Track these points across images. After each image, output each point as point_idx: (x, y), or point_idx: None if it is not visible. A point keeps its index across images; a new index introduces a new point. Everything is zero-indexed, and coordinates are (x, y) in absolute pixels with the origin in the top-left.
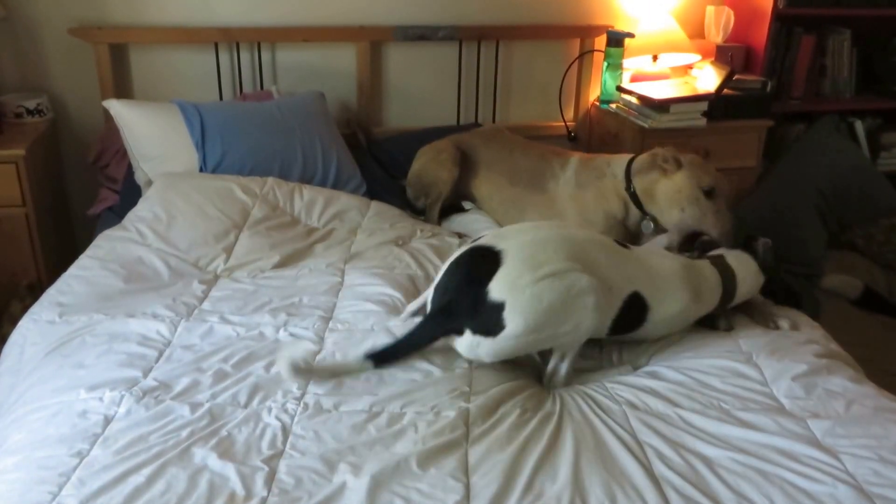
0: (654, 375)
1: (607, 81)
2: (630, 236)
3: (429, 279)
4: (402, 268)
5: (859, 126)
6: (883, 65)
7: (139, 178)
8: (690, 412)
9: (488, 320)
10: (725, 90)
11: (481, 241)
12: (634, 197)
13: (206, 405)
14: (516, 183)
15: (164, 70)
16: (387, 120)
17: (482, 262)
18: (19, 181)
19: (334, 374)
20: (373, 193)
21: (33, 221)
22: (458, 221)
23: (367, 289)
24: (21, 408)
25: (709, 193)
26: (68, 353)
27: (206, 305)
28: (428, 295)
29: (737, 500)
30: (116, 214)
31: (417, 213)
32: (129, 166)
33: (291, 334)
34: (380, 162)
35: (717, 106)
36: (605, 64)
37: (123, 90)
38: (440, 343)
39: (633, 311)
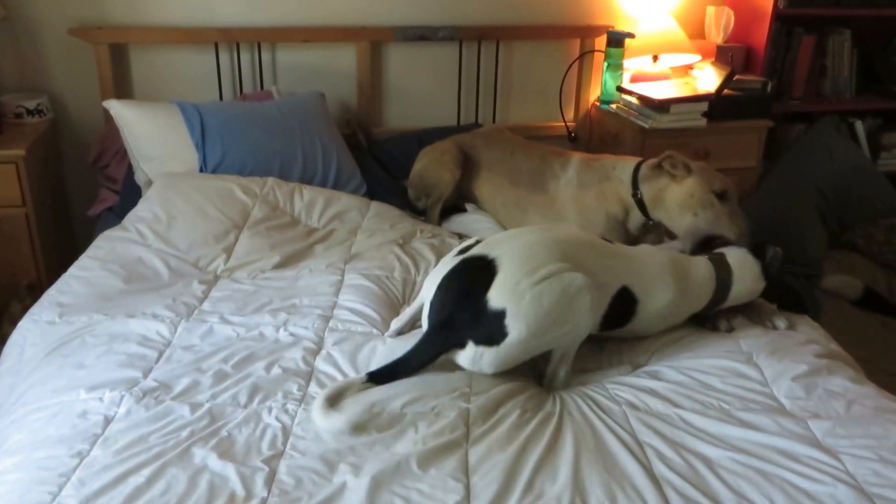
0: (654, 375)
1: (607, 82)
2: (630, 239)
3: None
4: (401, 269)
5: (860, 126)
6: (883, 65)
7: (139, 178)
8: (690, 412)
9: (490, 329)
10: (726, 90)
11: (473, 252)
12: (641, 203)
13: (206, 405)
14: (518, 183)
15: (164, 70)
16: (387, 120)
17: (478, 273)
18: (19, 181)
19: (339, 394)
20: (373, 194)
21: (33, 222)
22: (459, 222)
23: (368, 289)
24: (21, 408)
25: (721, 196)
26: (68, 354)
27: (206, 306)
28: (412, 310)
29: (737, 500)
30: (116, 215)
31: (418, 213)
32: (129, 166)
33: (291, 334)
34: (380, 162)
35: (717, 106)
36: (606, 64)
37: (123, 90)
38: (441, 358)
39: (622, 306)
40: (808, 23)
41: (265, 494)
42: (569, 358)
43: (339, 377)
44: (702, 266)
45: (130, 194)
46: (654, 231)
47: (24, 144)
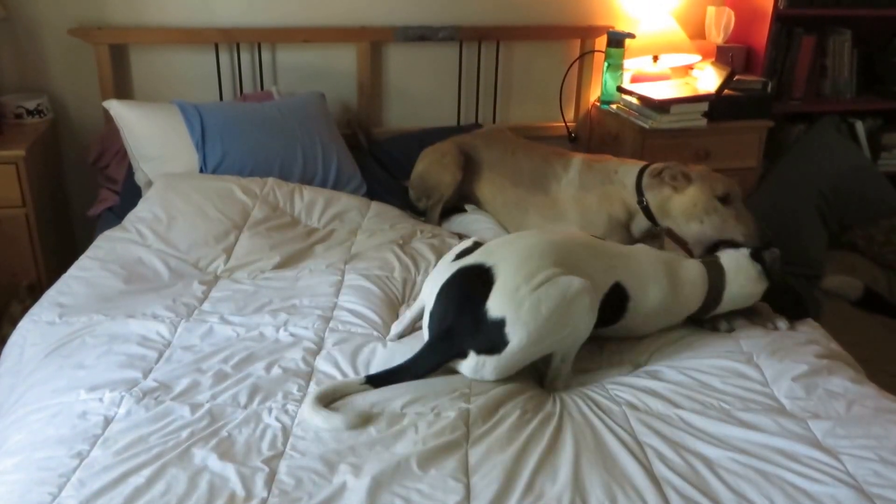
0: (654, 376)
1: (608, 82)
2: (633, 242)
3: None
4: (401, 269)
5: (860, 127)
6: (883, 65)
7: (139, 178)
8: (691, 412)
9: (491, 338)
10: (726, 91)
11: (470, 261)
12: (647, 210)
13: (206, 406)
14: (519, 184)
15: (164, 70)
16: (387, 120)
17: (476, 282)
18: (19, 182)
19: (335, 394)
20: (373, 194)
21: (33, 222)
22: (459, 222)
23: (368, 290)
24: (21, 409)
25: (725, 199)
26: (68, 354)
27: (206, 306)
28: (413, 312)
29: (737, 500)
30: (116, 215)
31: (418, 213)
32: (130, 167)
33: (291, 335)
34: (380, 162)
35: (717, 106)
36: (606, 64)
37: (123, 91)
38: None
39: (614, 302)
40: (808, 23)
41: (265, 495)
42: (569, 359)
43: (340, 378)
44: (692, 267)
45: (130, 195)
46: (657, 236)
47: (24, 145)
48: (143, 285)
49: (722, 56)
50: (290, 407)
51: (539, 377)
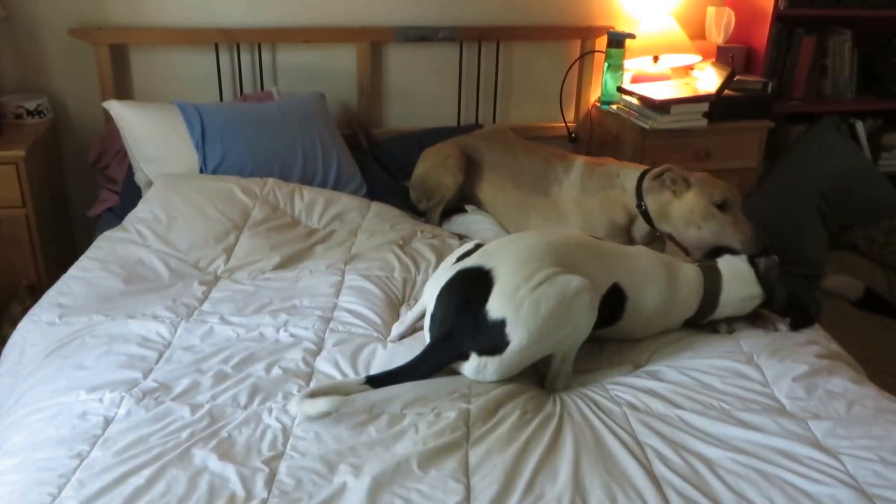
0: (654, 376)
1: (608, 82)
2: (634, 245)
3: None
4: (401, 269)
5: (860, 127)
6: (884, 65)
7: (139, 179)
8: (691, 413)
9: (492, 339)
10: (726, 91)
11: (469, 263)
12: (646, 215)
13: (207, 406)
14: (520, 186)
15: (164, 71)
16: (387, 121)
17: (476, 284)
18: (19, 182)
19: (334, 393)
20: (373, 194)
21: (33, 222)
22: (459, 223)
23: (368, 290)
24: (21, 409)
25: (722, 206)
26: (68, 355)
27: (206, 306)
28: (414, 314)
29: (737, 500)
30: (116, 215)
31: (419, 214)
32: (130, 167)
33: (292, 335)
34: (380, 163)
35: (717, 107)
36: (606, 65)
37: (124, 91)
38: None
39: (612, 302)
40: (808, 23)
41: (265, 495)
42: (569, 359)
43: (340, 378)
44: (689, 270)
45: (130, 195)
46: (658, 240)
47: (25, 145)
48: (143, 286)
49: (722, 56)
50: (291, 407)
51: (539, 378)
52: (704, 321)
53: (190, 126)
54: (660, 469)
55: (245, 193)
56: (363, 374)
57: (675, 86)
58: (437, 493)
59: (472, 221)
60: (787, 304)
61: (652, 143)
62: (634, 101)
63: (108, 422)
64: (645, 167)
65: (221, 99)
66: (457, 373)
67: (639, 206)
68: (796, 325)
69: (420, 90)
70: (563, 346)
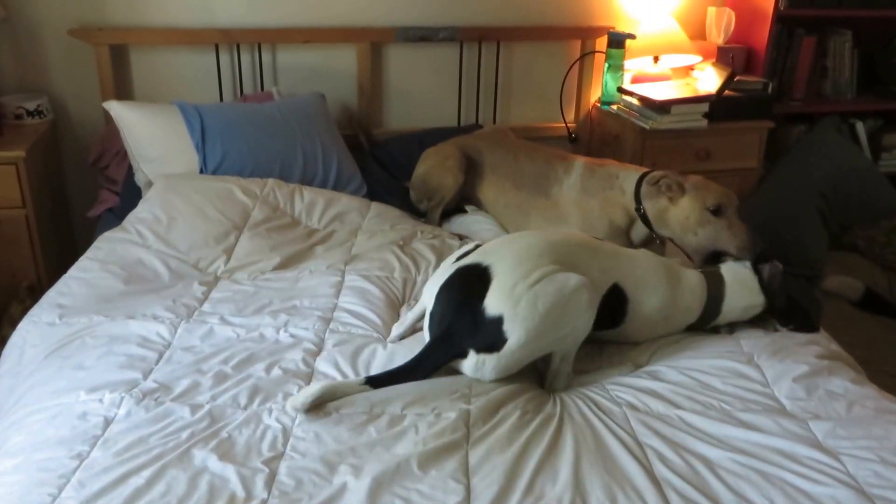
0: (654, 376)
1: (608, 83)
2: (632, 247)
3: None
4: (402, 269)
5: (860, 127)
6: (884, 66)
7: (139, 179)
8: (691, 413)
9: (490, 336)
10: (726, 91)
11: (467, 261)
12: (645, 218)
13: (207, 407)
14: (521, 187)
15: (164, 71)
16: (387, 121)
17: (473, 281)
18: (19, 183)
19: (334, 394)
20: (373, 195)
21: (33, 223)
22: (459, 223)
23: (368, 291)
24: (21, 410)
25: (717, 211)
26: (68, 355)
27: (206, 307)
28: (414, 315)
29: (737, 501)
30: (116, 216)
31: (419, 215)
32: (130, 168)
33: (292, 336)
34: (381, 163)
35: (718, 107)
36: (606, 65)
37: (124, 91)
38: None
39: (612, 304)
40: (808, 24)
41: (265, 496)
42: (569, 359)
43: (340, 378)
44: (693, 276)
45: (130, 195)
46: (653, 242)
47: (25, 146)
48: (143, 286)
49: (722, 57)
50: (288, 406)
51: (539, 378)
52: (707, 327)
53: (190, 126)
54: (660, 469)
55: (245, 194)
56: (363, 375)
57: (675, 86)
58: (438, 493)
59: (472, 222)
60: (790, 312)
61: (652, 143)
62: (635, 101)
63: (108, 422)
64: (644, 169)
65: (221, 99)
66: (457, 373)
67: (637, 209)
68: (798, 332)
69: (420, 90)
70: (563, 344)
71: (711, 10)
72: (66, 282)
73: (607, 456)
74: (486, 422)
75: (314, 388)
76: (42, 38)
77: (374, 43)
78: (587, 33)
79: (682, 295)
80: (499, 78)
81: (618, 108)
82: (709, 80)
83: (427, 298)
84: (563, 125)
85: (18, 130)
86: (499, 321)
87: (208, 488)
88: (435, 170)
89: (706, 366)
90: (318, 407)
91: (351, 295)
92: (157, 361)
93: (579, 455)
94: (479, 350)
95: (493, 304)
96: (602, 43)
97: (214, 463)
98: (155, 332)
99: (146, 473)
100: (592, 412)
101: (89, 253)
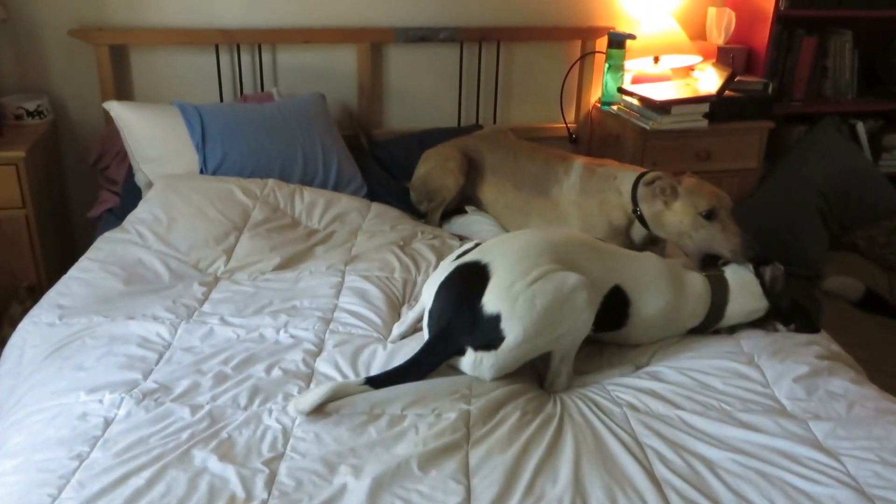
0: (654, 376)
1: (608, 83)
2: (634, 248)
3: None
4: (402, 269)
5: (861, 128)
6: (884, 66)
7: (139, 179)
8: (691, 413)
9: (487, 334)
10: (727, 92)
11: (466, 259)
12: (642, 220)
13: (207, 407)
14: (521, 187)
15: (164, 72)
16: (388, 121)
17: (472, 279)
18: (19, 183)
19: (334, 395)
20: (374, 195)
21: (33, 223)
22: (460, 224)
23: (368, 291)
24: (21, 410)
25: (709, 216)
26: (68, 356)
27: (206, 307)
28: (414, 314)
29: (737, 501)
30: (116, 216)
31: (419, 215)
32: (130, 168)
33: (292, 336)
34: (381, 163)
35: (718, 107)
36: (607, 65)
37: (124, 92)
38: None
39: (614, 305)
40: (809, 24)
41: (265, 496)
42: (569, 359)
43: (340, 379)
44: (697, 281)
45: (131, 196)
46: (658, 244)
47: (25, 146)
48: (143, 287)
49: (723, 57)
50: (291, 408)
51: (539, 378)
52: (709, 331)
53: (190, 127)
54: (660, 470)
55: (245, 194)
56: (363, 376)
57: (675, 86)
58: (438, 493)
59: (472, 222)
60: (791, 314)
61: (652, 143)
62: (635, 101)
63: (108, 423)
64: (642, 170)
65: (222, 100)
66: (457, 373)
67: (635, 211)
68: (800, 332)
69: (420, 91)
70: (561, 343)
71: (712, 11)
72: (66, 282)
73: (607, 456)
74: (486, 422)
75: (320, 391)
76: (42, 38)
77: (375, 43)
78: (587, 34)
79: (685, 300)
80: (499, 78)
81: (618, 108)
82: (709, 80)
83: (427, 297)
84: (564, 126)
85: (18, 131)
86: (496, 319)
87: (208, 489)
88: (436, 171)
89: (706, 366)
90: (317, 408)
91: (351, 295)
92: (157, 362)
93: (579, 455)
94: (476, 347)
95: (491, 301)
96: (602, 43)
97: (214, 463)
98: (155, 333)
99: (146, 474)
100: (593, 413)
101: (89, 253)
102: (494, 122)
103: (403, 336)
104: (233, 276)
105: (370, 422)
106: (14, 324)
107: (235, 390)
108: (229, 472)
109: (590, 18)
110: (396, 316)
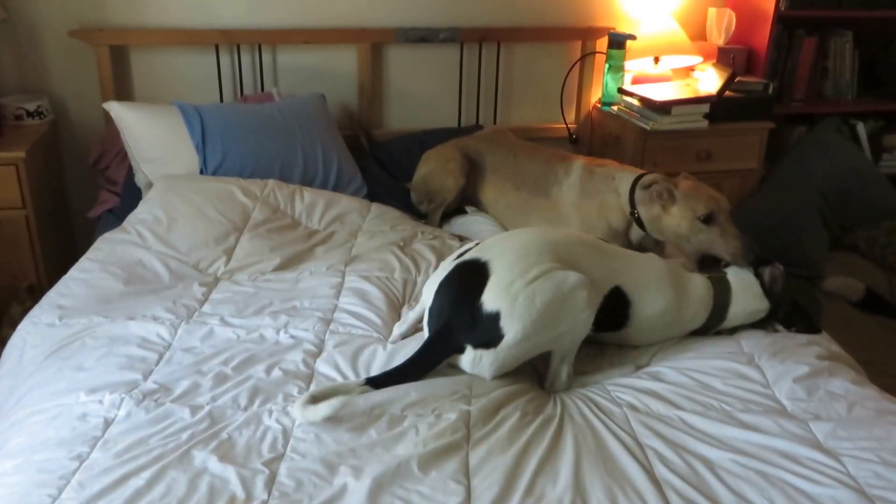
0: (655, 377)
1: (609, 83)
2: (632, 248)
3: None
4: (402, 269)
5: (861, 128)
6: (885, 67)
7: (139, 180)
8: (692, 414)
9: (487, 332)
10: (727, 92)
11: (466, 257)
12: (640, 222)
13: (207, 408)
14: (521, 188)
15: (164, 72)
16: (388, 122)
17: (472, 277)
18: (19, 183)
19: (333, 395)
20: (374, 195)
21: (33, 224)
22: (460, 224)
23: (368, 291)
24: (21, 411)
25: (707, 220)
26: (68, 356)
27: (206, 308)
28: (414, 314)
29: (737, 502)
30: (117, 217)
31: (420, 216)
32: (130, 168)
33: (292, 337)
34: (381, 164)
35: (718, 108)
36: (607, 66)
37: (124, 92)
38: (442, 364)
39: (614, 306)
40: (809, 24)
41: (265, 497)
42: (569, 359)
43: (340, 380)
44: (700, 283)
45: (131, 196)
46: (657, 245)
47: (25, 146)
48: (143, 287)
49: (723, 57)
50: (291, 409)
51: (540, 379)
52: (710, 333)
53: (190, 127)
54: (660, 470)
55: (245, 195)
56: (363, 376)
57: (675, 87)
58: (438, 494)
59: (472, 223)
60: (792, 315)
61: (653, 144)
62: (635, 102)
63: (108, 423)
64: (640, 171)
65: (222, 100)
66: (457, 373)
67: (632, 213)
68: (801, 333)
69: (421, 91)
70: (560, 343)
71: (712, 11)
72: (66, 283)
73: (608, 457)
74: (486, 423)
75: (327, 406)
76: (42, 38)
77: (375, 44)
78: (588, 34)
79: (687, 302)
80: (499, 79)
81: (618, 108)
82: (709, 80)
83: (427, 297)
84: (564, 126)
85: (18, 131)
86: (496, 317)
87: (208, 489)
88: (436, 172)
89: (707, 366)
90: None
91: (351, 296)
92: (157, 362)
93: (580, 456)
94: (476, 345)
95: (491, 299)
96: (602, 44)
97: (214, 464)
98: (155, 333)
99: (146, 474)
100: (593, 413)
101: (89, 254)
102: (495, 122)
103: (404, 336)
104: (233, 277)
105: (370, 422)
106: (14, 324)
107: (235, 391)
108: (229, 472)
109: (590, 19)
110: (396, 316)
